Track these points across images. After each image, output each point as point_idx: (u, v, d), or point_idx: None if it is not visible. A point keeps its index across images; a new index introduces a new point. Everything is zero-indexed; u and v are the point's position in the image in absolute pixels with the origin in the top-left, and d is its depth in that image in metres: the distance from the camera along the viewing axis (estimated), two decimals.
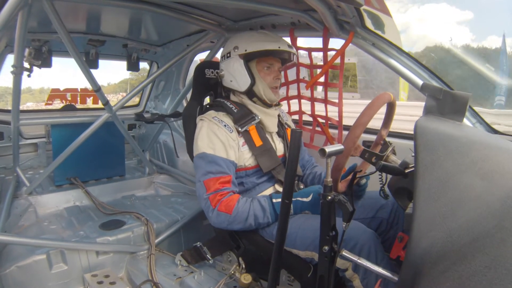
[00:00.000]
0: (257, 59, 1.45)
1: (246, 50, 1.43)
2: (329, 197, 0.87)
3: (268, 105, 1.51)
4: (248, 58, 1.44)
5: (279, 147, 1.53)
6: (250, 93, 1.48)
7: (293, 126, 1.71)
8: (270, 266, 0.96)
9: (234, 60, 1.45)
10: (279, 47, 1.43)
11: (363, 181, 1.37)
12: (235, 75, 1.47)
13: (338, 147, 0.87)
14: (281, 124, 1.60)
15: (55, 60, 2.42)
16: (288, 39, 1.81)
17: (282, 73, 1.75)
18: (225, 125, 1.41)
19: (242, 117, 1.44)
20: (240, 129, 1.42)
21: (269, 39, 1.47)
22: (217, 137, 1.37)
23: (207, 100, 1.76)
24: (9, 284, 1.55)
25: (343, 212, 0.87)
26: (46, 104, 2.82)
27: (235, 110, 1.45)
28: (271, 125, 1.51)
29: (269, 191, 1.46)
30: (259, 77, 1.46)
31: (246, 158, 1.43)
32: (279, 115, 1.60)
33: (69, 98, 2.85)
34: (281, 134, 1.57)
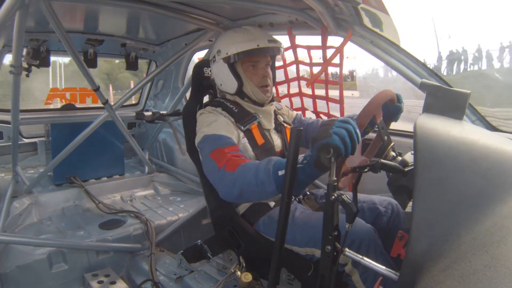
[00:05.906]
0: (241, 59, 1.42)
1: (227, 54, 1.40)
2: (333, 197, 0.86)
3: (259, 104, 1.49)
4: (231, 61, 1.41)
5: (277, 143, 1.53)
6: (241, 94, 1.47)
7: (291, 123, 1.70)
8: (270, 265, 0.95)
9: (219, 64, 1.43)
10: (257, 45, 1.38)
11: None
12: (223, 79, 1.46)
13: None
14: (277, 121, 1.58)
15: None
16: (286, 37, 1.81)
17: (281, 69, 1.72)
18: (224, 117, 1.41)
19: (243, 116, 1.44)
20: (242, 127, 1.41)
21: (247, 38, 1.41)
22: (217, 122, 1.37)
23: (206, 99, 1.76)
24: (9, 284, 1.55)
25: (347, 213, 0.86)
26: (46, 103, 2.83)
27: (236, 110, 1.44)
28: (267, 122, 1.51)
29: None
30: (246, 78, 1.44)
31: (247, 150, 1.42)
32: (275, 111, 1.59)
33: (69, 98, 2.86)
34: (278, 129, 1.56)
